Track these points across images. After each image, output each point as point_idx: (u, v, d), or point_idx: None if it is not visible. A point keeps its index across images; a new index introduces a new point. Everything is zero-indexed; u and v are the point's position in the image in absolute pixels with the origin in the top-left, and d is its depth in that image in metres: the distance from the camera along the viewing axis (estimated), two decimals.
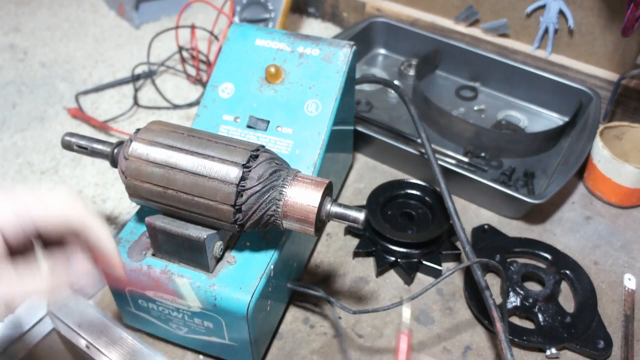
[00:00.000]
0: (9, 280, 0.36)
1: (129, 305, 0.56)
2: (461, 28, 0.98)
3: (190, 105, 0.94)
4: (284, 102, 0.61)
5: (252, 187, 0.46)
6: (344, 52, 0.62)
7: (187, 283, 0.49)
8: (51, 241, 0.39)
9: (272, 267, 0.52)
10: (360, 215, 0.47)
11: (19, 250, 0.37)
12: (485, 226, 0.71)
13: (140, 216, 0.56)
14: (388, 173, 0.81)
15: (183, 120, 0.91)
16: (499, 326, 0.53)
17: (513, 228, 0.73)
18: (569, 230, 0.73)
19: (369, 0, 1.07)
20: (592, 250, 0.70)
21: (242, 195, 0.46)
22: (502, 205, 0.73)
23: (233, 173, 0.46)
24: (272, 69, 0.61)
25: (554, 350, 0.58)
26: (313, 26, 1.15)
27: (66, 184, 0.78)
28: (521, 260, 0.67)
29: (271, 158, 0.48)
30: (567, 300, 0.64)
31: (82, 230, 0.38)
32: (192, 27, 0.98)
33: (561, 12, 0.86)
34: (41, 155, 0.82)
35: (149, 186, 0.48)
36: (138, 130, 0.49)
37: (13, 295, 0.36)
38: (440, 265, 0.66)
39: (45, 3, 1.21)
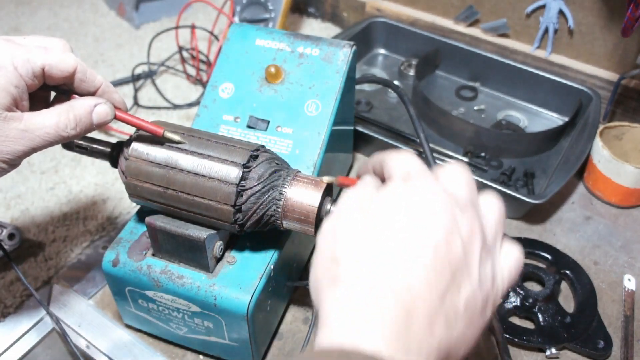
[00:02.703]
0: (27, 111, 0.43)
1: (129, 305, 0.56)
2: (461, 28, 0.98)
3: (190, 105, 0.94)
4: (284, 102, 0.61)
5: (252, 187, 0.46)
6: (344, 52, 0.62)
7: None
8: (58, 90, 0.46)
9: (272, 267, 0.52)
10: None
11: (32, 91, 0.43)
12: None
13: (140, 216, 0.56)
14: None
15: (183, 120, 0.91)
16: (496, 326, 0.53)
17: (513, 228, 0.73)
18: (569, 230, 0.73)
19: (369, 0, 1.07)
20: (592, 250, 0.70)
21: (242, 195, 0.46)
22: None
23: (233, 173, 0.46)
24: (272, 69, 0.61)
25: (554, 350, 0.58)
26: (313, 26, 1.15)
27: (66, 184, 0.78)
28: None
29: (271, 158, 0.48)
30: (567, 300, 0.64)
31: (81, 71, 0.44)
32: (192, 27, 0.98)
33: (561, 12, 0.86)
34: (41, 155, 0.82)
35: (149, 186, 0.48)
36: (138, 130, 0.49)
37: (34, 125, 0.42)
38: None
39: (45, 3, 1.21)
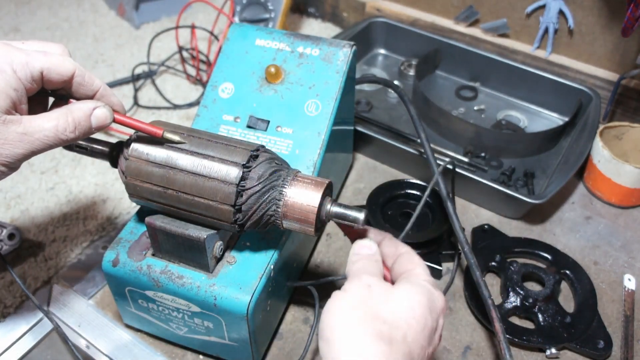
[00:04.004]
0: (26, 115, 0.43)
1: (129, 305, 0.56)
2: (461, 28, 0.98)
3: (190, 105, 0.94)
4: (284, 102, 0.61)
5: (252, 187, 0.46)
6: (344, 52, 0.62)
7: None
8: (56, 95, 0.46)
9: (272, 267, 0.52)
10: (360, 215, 0.47)
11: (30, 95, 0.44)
12: (485, 226, 0.71)
13: (140, 216, 0.56)
14: (388, 173, 0.81)
15: (183, 120, 0.91)
16: (498, 326, 0.53)
17: (513, 228, 0.73)
18: (569, 230, 0.73)
19: (369, 0, 1.07)
20: (592, 250, 0.70)
21: (242, 195, 0.46)
22: (502, 205, 0.73)
23: (233, 173, 0.46)
24: (272, 69, 0.61)
25: (553, 350, 0.58)
26: (313, 26, 1.15)
27: (66, 184, 0.78)
28: (521, 260, 0.67)
29: (271, 158, 0.48)
30: (567, 300, 0.64)
31: (79, 75, 0.45)
32: (192, 27, 0.98)
33: (561, 12, 0.86)
34: (41, 156, 0.82)
35: (149, 186, 0.48)
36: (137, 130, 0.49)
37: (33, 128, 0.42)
38: (440, 266, 0.66)
39: (45, 3, 1.21)
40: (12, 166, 0.43)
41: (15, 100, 0.41)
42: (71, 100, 0.46)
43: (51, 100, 0.47)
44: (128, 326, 0.61)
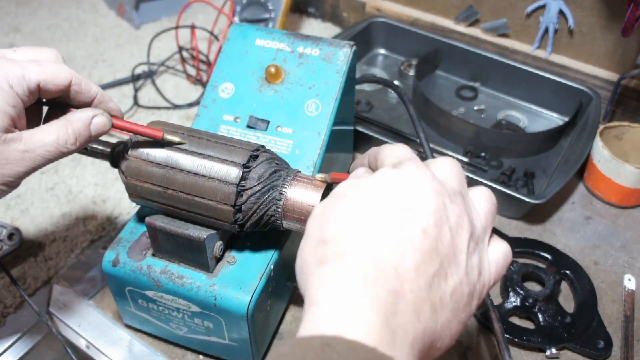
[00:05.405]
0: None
1: (129, 305, 0.56)
2: (461, 28, 0.98)
3: (190, 105, 0.94)
4: (284, 102, 0.61)
5: (252, 187, 0.46)
6: (344, 52, 0.62)
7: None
8: (53, 104, 0.45)
9: (272, 267, 0.52)
10: None
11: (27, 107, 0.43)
12: None
13: (140, 216, 0.56)
14: None
15: (183, 120, 0.91)
16: (497, 327, 0.53)
17: (513, 228, 0.73)
18: (569, 230, 0.73)
19: (369, 0, 1.07)
20: (592, 250, 0.70)
21: (242, 195, 0.46)
22: (502, 205, 0.73)
23: (233, 173, 0.46)
24: (272, 69, 0.61)
25: (554, 350, 0.58)
26: (313, 26, 1.15)
27: (66, 184, 0.78)
28: (521, 260, 0.67)
29: (271, 158, 0.48)
30: (567, 300, 0.64)
31: (76, 83, 0.44)
32: (192, 27, 0.98)
33: (561, 12, 0.86)
34: None
35: (149, 186, 0.48)
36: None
37: (34, 144, 0.41)
38: None
39: (45, 3, 1.21)
40: (13, 184, 0.42)
41: (14, 117, 0.40)
42: (71, 109, 0.45)
43: (45, 108, 0.46)
44: (128, 326, 0.61)
